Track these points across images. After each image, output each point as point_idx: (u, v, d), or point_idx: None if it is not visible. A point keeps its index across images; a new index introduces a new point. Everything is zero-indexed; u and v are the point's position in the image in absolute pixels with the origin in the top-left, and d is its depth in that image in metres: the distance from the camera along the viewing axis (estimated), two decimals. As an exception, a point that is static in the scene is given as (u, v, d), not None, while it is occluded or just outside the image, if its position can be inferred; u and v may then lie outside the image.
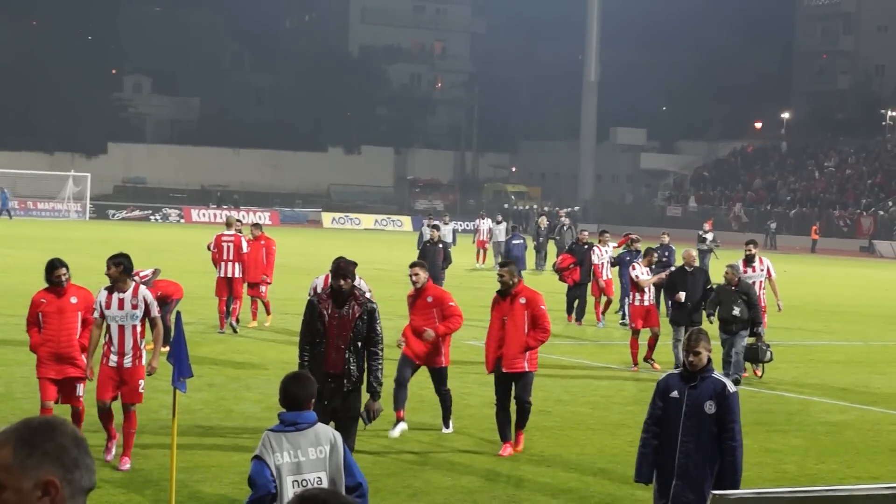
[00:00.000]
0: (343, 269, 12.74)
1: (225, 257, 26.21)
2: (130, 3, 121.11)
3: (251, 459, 8.07)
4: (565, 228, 47.23)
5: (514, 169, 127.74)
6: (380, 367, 12.67)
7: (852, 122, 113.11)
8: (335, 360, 12.43)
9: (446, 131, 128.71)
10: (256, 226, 28.27)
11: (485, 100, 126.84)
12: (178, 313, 12.61)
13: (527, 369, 15.24)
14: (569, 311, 31.20)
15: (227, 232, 26.71)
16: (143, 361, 13.91)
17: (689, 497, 10.29)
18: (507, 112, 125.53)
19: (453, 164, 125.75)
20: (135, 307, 13.71)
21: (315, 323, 12.62)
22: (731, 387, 10.45)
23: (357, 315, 12.57)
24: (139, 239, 60.03)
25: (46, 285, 14.05)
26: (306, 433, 8.05)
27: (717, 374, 10.56)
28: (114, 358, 13.73)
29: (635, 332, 23.73)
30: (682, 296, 22.70)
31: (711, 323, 22.54)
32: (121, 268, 13.76)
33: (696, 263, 24.18)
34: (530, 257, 46.33)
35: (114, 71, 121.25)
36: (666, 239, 34.39)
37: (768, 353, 22.52)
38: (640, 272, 24.16)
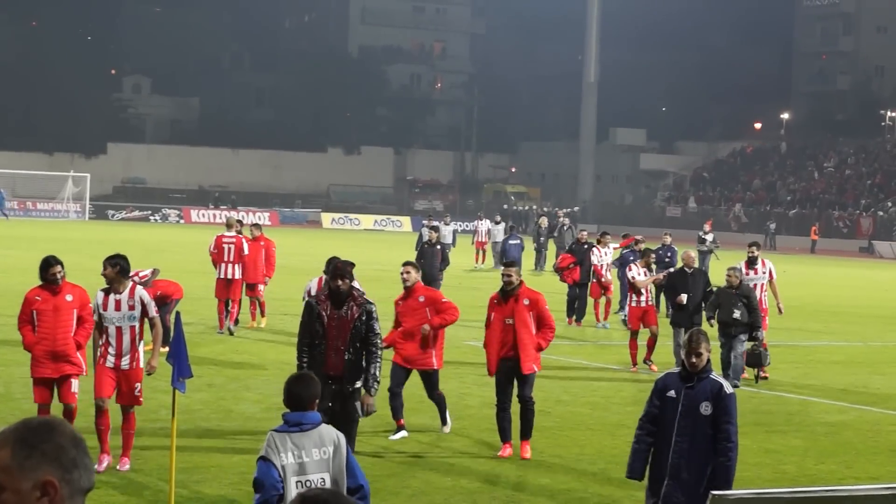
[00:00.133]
0: (341, 269, 12.68)
1: (226, 259, 26.16)
2: (130, 4, 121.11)
3: (257, 460, 8.04)
4: (565, 228, 47.23)
5: (513, 169, 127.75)
6: (378, 365, 12.64)
7: (852, 122, 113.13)
8: (335, 362, 12.40)
9: (446, 132, 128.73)
10: (256, 226, 28.24)
11: (484, 100, 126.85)
12: (178, 314, 12.62)
13: (535, 370, 15.26)
14: (569, 314, 31.03)
15: (227, 233, 26.66)
16: (142, 363, 13.84)
17: (680, 498, 10.24)
18: (507, 112, 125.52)
19: (453, 164, 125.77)
20: (132, 308, 13.64)
21: (314, 324, 12.56)
22: (728, 387, 10.42)
23: (356, 316, 12.52)
24: (139, 239, 60.02)
25: (41, 283, 13.98)
26: (310, 434, 8.05)
27: (716, 374, 10.52)
28: (111, 359, 13.66)
29: (633, 333, 23.71)
30: (683, 298, 22.66)
31: (712, 326, 22.49)
32: (117, 269, 13.69)
33: (696, 265, 24.15)
34: (528, 257, 46.31)
35: (113, 71, 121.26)
36: (668, 239, 34.35)
37: (767, 358, 22.46)
38: (637, 273, 24.12)
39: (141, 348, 13.87)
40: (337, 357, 12.42)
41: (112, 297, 13.66)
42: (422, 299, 16.04)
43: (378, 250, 58.80)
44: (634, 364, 23.48)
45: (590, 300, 31.53)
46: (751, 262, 23.93)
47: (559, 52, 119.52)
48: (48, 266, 13.90)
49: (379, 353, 12.67)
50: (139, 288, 13.93)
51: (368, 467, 13.37)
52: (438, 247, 32.92)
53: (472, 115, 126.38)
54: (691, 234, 56.02)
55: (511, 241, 43.87)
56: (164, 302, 22.35)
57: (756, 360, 22.11)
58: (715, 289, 22.66)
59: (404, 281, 16.05)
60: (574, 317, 31.23)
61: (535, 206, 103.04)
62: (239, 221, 28.73)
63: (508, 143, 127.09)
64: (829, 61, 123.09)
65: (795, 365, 25.42)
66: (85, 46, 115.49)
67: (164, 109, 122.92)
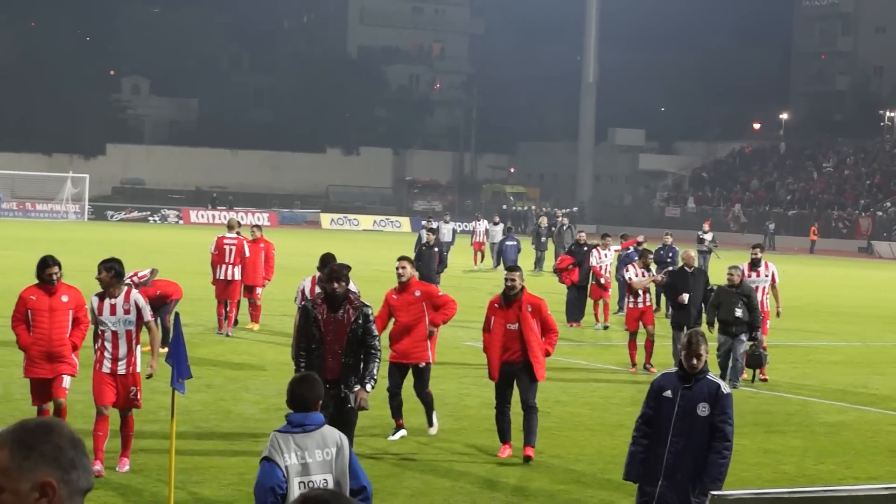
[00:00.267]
0: (337, 272, 12.54)
1: (227, 260, 26.12)
2: (129, 5, 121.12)
3: (260, 461, 8.02)
4: (564, 228, 47.22)
5: (512, 170, 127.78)
6: (377, 364, 12.56)
7: (851, 122, 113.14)
8: (332, 366, 12.30)
9: (445, 132, 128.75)
10: (257, 227, 28.21)
11: (483, 101, 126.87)
12: (177, 314, 12.61)
13: (544, 377, 15.23)
14: (569, 318, 30.85)
15: (229, 234, 26.62)
16: (139, 367, 13.73)
17: (674, 499, 10.20)
18: (506, 113, 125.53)
19: (452, 164, 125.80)
20: (127, 312, 13.51)
21: (310, 329, 12.45)
22: (725, 388, 10.37)
23: (353, 319, 12.42)
24: (138, 240, 60.02)
25: (37, 282, 13.89)
26: (313, 435, 8.04)
27: (712, 375, 10.48)
28: (108, 364, 13.53)
29: (632, 335, 23.67)
30: (685, 297, 22.63)
31: (712, 331, 22.44)
32: (112, 273, 13.56)
33: (696, 264, 24.13)
34: (526, 258, 46.31)
35: (112, 72, 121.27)
36: (669, 240, 34.29)
37: (766, 359, 22.43)
38: (634, 274, 24.06)
39: (138, 351, 13.77)
40: (334, 361, 12.33)
41: (107, 301, 13.53)
42: (418, 294, 15.99)
43: (377, 251, 58.78)
44: (633, 365, 23.46)
45: (589, 301, 31.49)
46: (754, 265, 23.78)
47: (558, 53, 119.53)
48: (45, 266, 13.84)
49: (378, 354, 12.59)
50: (134, 291, 13.80)
51: (367, 468, 13.34)
52: (436, 249, 32.90)
53: (471, 116, 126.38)
54: (690, 234, 56.04)
55: (508, 242, 43.86)
56: (164, 302, 22.36)
57: (755, 360, 22.06)
58: (714, 287, 22.63)
59: (399, 276, 16.00)
60: (577, 321, 31.06)
61: (533, 207, 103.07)
62: (237, 223, 28.71)
63: (507, 143, 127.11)
64: (828, 61, 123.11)
65: (795, 365, 25.42)
66: (84, 47, 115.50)
67: (162, 110, 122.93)
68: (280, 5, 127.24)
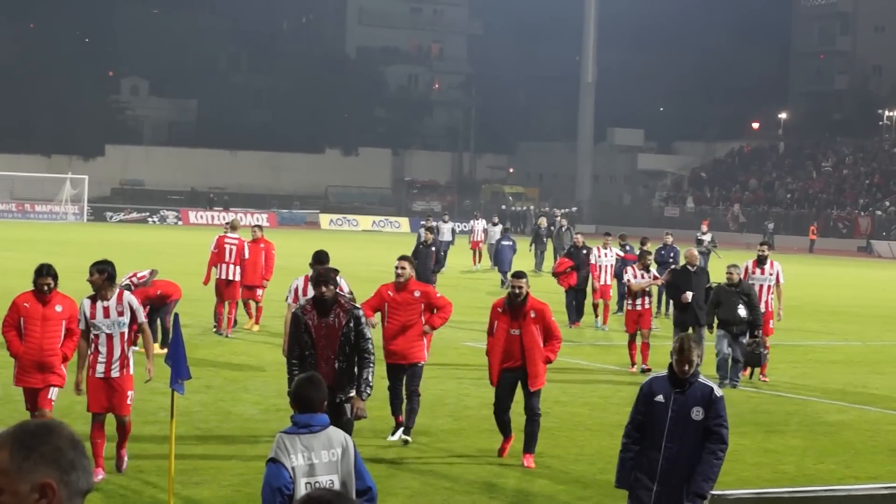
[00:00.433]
0: (324, 276, 12.33)
1: (227, 259, 26.14)
2: (128, 6, 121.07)
3: (266, 462, 8.01)
4: (563, 230, 47.17)
5: (511, 170, 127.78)
6: (371, 370, 12.43)
7: (849, 122, 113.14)
8: (325, 372, 12.05)
9: (444, 132, 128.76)
10: (258, 227, 28.21)
11: (482, 101, 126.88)
12: (177, 315, 12.59)
13: (544, 383, 15.13)
14: (570, 320, 30.79)
15: (231, 234, 26.63)
16: (132, 369, 13.55)
17: None
18: (505, 113, 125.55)
19: (451, 165, 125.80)
20: (121, 314, 13.32)
21: (301, 335, 12.26)
22: (718, 391, 10.24)
23: (344, 322, 12.25)
24: (137, 241, 60.03)
25: (33, 288, 13.67)
26: (319, 436, 8.03)
27: (704, 378, 10.35)
28: (101, 368, 13.34)
29: (631, 336, 23.64)
30: (688, 295, 22.60)
31: (711, 332, 22.42)
32: (104, 275, 13.34)
33: (699, 263, 24.10)
34: (524, 259, 46.26)
35: (111, 73, 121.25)
36: (669, 239, 34.14)
37: (766, 358, 22.38)
38: (633, 275, 24.01)
39: (131, 353, 13.61)
40: (327, 366, 12.13)
41: (100, 304, 13.32)
42: (417, 294, 15.82)
43: (376, 251, 58.79)
44: (633, 364, 23.44)
45: (589, 300, 31.43)
46: (760, 261, 23.67)
47: (557, 53, 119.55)
48: (39, 274, 13.56)
49: (371, 357, 12.45)
50: (127, 293, 13.60)
51: (367, 468, 13.36)
52: (433, 248, 32.81)
53: (470, 116, 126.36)
54: (689, 234, 56.02)
55: (504, 242, 43.76)
56: (164, 302, 22.39)
57: (755, 359, 22.01)
58: (714, 286, 22.58)
59: (398, 276, 15.78)
60: (576, 321, 30.98)
61: (532, 207, 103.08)
62: (240, 224, 28.71)
63: (506, 143, 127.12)
64: (827, 61, 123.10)
65: (794, 365, 25.42)
66: (82, 48, 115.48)
67: (161, 111, 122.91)
68: (279, 6, 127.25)
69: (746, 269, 23.39)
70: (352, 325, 12.27)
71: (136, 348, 14.58)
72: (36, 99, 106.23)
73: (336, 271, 12.73)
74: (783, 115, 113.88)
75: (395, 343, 15.75)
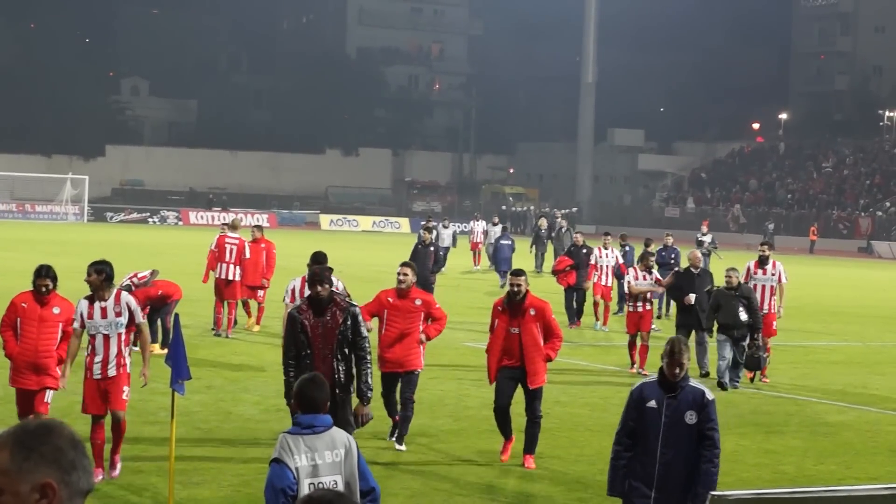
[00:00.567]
0: (318, 275, 12.22)
1: (227, 259, 26.12)
2: (128, 6, 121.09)
3: (269, 463, 8.00)
4: (563, 231, 47.14)
5: (511, 170, 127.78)
6: (369, 370, 12.35)
7: (850, 122, 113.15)
8: (323, 371, 11.87)
9: (444, 133, 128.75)
10: (258, 228, 28.19)
11: (482, 101, 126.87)
12: (177, 315, 12.58)
13: (544, 383, 15.03)
14: (570, 320, 30.79)
15: (231, 234, 26.62)
16: (128, 368, 13.41)
17: None
18: (505, 114, 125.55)
19: (451, 165, 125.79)
20: (118, 315, 13.19)
21: (298, 336, 12.14)
22: (709, 394, 10.18)
23: (340, 321, 12.14)
24: (137, 241, 60.03)
25: (32, 288, 13.56)
26: (322, 436, 8.02)
27: (694, 381, 10.30)
28: (97, 370, 13.22)
29: (632, 337, 23.61)
30: (691, 297, 22.58)
31: (711, 336, 22.39)
32: (102, 276, 13.21)
33: (701, 265, 24.05)
34: (523, 259, 46.25)
35: (111, 73, 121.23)
36: (670, 241, 33.99)
37: (766, 361, 22.34)
38: (634, 277, 23.97)
39: (127, 353, 13.44)
40: (325, 366, 11.97)
41: (97, 304, 13.21)
42: (418, 303, 15.64)
43: (377, 252, 58.80)
44: (633, 364, 23.43)
45: (589, 301, 31.41)
46: (762, 262, 23.54)
47: (557, 54, 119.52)
48: (38, 275, 13.46)
49: (369, 357, 12.37)
50: (125, 294, 13.47)
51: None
52: (432, 248, 32.74)
53: (470, 117, 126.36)
54: (690, 234, 56.02)
55: (503, 242, 43.74)
56: (165, 302, 22.41)
57: (754, 363, 21.93)
58: (713, 289, 22.54)
59: (400, 282, 15.58)
60: (576, 321, 30.96)
61: (532, 207, 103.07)
62: (240, 224, 28.71)
63: (506, 144, 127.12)
64: (827, 61, 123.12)
65: (794, 365, 25.42)
66: (83, 48, 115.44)
67: (161, 111, 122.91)
68: (279, 6, 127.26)
69: (748, 269, 23.32)
70: (349, 323, 12.17)
71: (136, 348, 14.53)
72: (36, 99, 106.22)
73: (330, 269, 12.65)
74: (783, 116, 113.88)
75: (392, 351, 15.50)
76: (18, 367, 13.61)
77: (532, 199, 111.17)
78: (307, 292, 12.68)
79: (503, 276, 40.29)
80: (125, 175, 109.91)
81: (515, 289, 14.79)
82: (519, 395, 15.01)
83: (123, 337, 13.31)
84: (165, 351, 16.63)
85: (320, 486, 7.81)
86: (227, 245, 26.23)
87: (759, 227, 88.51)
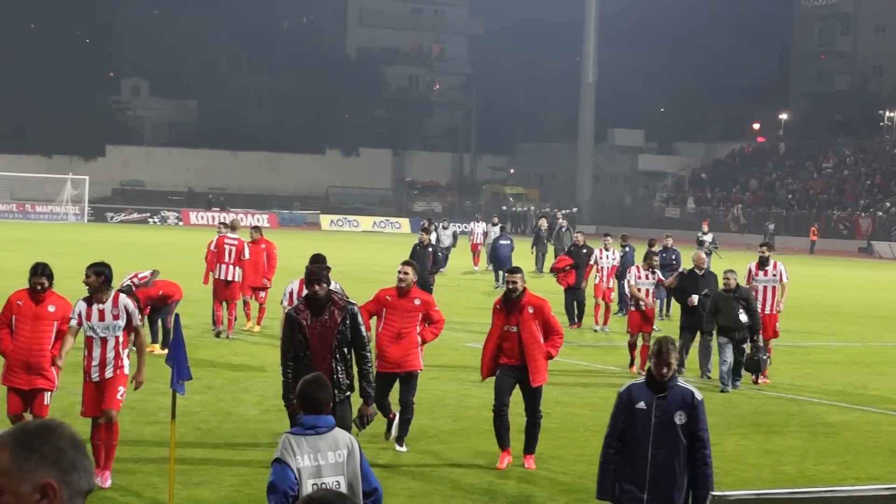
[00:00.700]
0: (316, 274, 12.07)
1: (226, 260, 26.09)
2: (128, 6, 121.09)
3: (271, 463, 8.01)
4: (563, 230, 47.12)
5: (511, 170, 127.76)
6: (370, 369, 12.29)
7: (850, 122, 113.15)
8: (322, 372, 12.02)
9: (444, 133, 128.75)
10: (256, 229, 28.17)
11: (483, 102, 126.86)
12: (177, 316, 12.57)
13: (545, 381, 14.98)
14: (570, 320, 30.78)
15: (231, 235, 26.58)
16: (126, 369, 13.29)
17: None
18: (505, 114, 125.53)
19: (451, 165, 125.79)
20: (116, 318, 13.08)
21: (296, 336, 12.00)
22: (698, 395, 10.14)
23: (339, 321, 11.99)
24: (137, 241, 60.05)
25: (28, 286, 13.51)
26: (325, 437, 8.03)
27: (682, 381, 10.27)
28: (95, 373, 13.11)
29: (633, 337, 23.61)
30: (694, 299, 22.57)
31: (711, 338, 22.37)
32: (101, 278, 13.11)
33: (706, 266, 24.03)
34: (524, 259, 46.24)
35: (111, 73, 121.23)
36: (670, 241, 33.95)
37: (768, 361, 22.32)
38: (636, 276, 23.95)
39: (125, 355, 13.31)
40: (324, 367, 11.79)
41: (95, 306, 13.11)
42: (418, 302, 15.54)
43: (377, 252, 58.80)
44: (632, 364, 23.42)
45: (590, 302, 31.40)
46: (762, 264, 23.50)
47: (557, 54, 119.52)
48: (33, 273, 13.43)
49: (369, 356, 12.29)
50: (123, 297, 13.36)
51: (368, 469, 13.35)
52: (430, 249, 32.73)
53: (471, 117, 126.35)
54: (690, 234, 56.03)
55: (501, 241, 43.70)
56: (166, 303, 22.42)
57: (754, 365, 21.91)
58: (708, 292, 22.51)
59: (400, 281, 15.49)
60: (576, 322, 30.94)
61: (532, 208, 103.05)
62: (240, 224, 28.67)
63: (507, 144, 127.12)
64: (828, 61, 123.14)
65: (795, 365, 25.42)
66: (83, 49, 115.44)
67: (162, 112, 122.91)
68: (279, 6, 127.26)
69: (750, 271, 23.28)
70: (348, 322, 12.03)
71: (135, 348, 14.50)
72: (36, 99, 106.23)
73: (328, 268, 12.55)
74: (784, 116, 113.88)
75: (389, 350, 15.40)
76: (11, 366, 13.50)
77: (532, 199, 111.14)
78: (305, 293, 12.61)
79: (500, 276, 40.24)
80: (125, 175, 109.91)
81: (511, 286, 14.72)
82: (518, 396, 14.98)
83: (121, 340, 13.19)
84: (166, 351, 16.64)
85: (323, 486, 7.82)
86: (226, 246, 26.20)
87: (759, 227, 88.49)
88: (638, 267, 24.47)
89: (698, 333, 22.61)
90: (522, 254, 48.03)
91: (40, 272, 13.43)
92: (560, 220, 53.36)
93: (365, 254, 57.65)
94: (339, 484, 7.92)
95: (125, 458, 13.96)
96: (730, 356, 21.38)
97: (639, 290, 23.63)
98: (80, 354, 13.75)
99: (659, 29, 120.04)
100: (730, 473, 14.85)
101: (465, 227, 68.67)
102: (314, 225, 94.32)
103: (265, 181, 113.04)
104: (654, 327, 25.04)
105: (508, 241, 43.56)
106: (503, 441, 14.90)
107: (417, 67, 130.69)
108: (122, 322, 13.12)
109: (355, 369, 12.41)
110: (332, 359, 12.02)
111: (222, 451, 15.01)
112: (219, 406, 17.97)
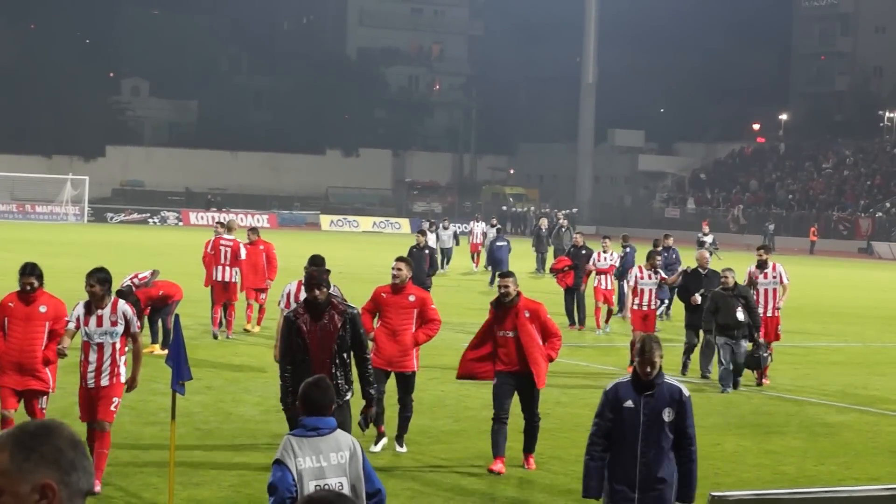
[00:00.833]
0: (315, 278, 11.90)
1: (222, 261, 26.06)
2: (128, 6, 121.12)
3: (272, 464, 8.02)
4: (563, 230, 47.11)
5: (511, 171, 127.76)
6: (371, 372, 12.24)
7: (850, 123, 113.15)
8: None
9: (444, 133, 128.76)
10: (253, 230, 28.13)
11: (483, 102, 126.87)
12: (177, 316, 12.57)
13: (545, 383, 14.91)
14: (571, 321, 30.74)
15: (227, 236, 26.56)
16: (122, 378, 13.14)
17: None
18: (505, 114, 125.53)
19: (451, 166, 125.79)
20: (114, 324, 12.94)
21: (294, 340, 11.84)
22: (685, 392, 10.14)
23: (339, 325, 11.85)
24: (137, 242, 60.05)
25: (19, 288, 13.33)
26: (327, 438, 8.04)
27: (669, 378, 10.24)
28: (91, 378, 12.99)
29: (636, 335, 23.56)
30: (697, 297, 22.56)
31: (710, 338, 22.35)
32: (106, 286, 12.99)
33: (710, 265, 24.03)
34: (520, 259, 46.23)
35: (112, 74, 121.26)
36: (670, 242, 33.98)
37: (769, 359, 22.29)
38: (639, 276, 23.93)
39: (122, 364, 13.18)
40: (324, 372, 11.53)
41: (94, 312, 12.97)
42: (412, 299, 15.43)
43: (377, 252, 58.78)
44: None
45: (590, 304, 31.35)
46: (761, 266, 23.46)
47: (557, 54, 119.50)
48: (23, 273, 13.24)
49: (370, 360, 12.24)
50: (122, 303, 13.22)
51: (368, 469, 13.34)
52: (426, 251, 32.70)
53: (471, 117, 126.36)
54: (690, 235, 56.03)
55: (498, 243, 43.65)
56: (166, 303, 22.43)
57: (755, 363, 21.92)
58: (705, 292, 22.50)
59: (394, 277, 15.40)
60: (576, 323, 30.89)
61: (533, 208, 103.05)
62: (237, 225, 28.63)
63: (507, 144, 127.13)
64: (828, 62, 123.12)
65: (795, 366, 25.42)
66: (83, 49, 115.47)
67: (162, 112, 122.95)
68: (279, 6, 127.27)
69: (750, 274, 23.26)
70: (347, 327, 11.91)
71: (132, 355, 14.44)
72: (36, 99, 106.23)
73: (327, 272, 12.45)
74: (784, 117, 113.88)
75: (385, 350, 15.29)
76: (2, 366, 13.36)
77: (532, 199, 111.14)
78: (303, 296, 12.50)
79: (496, 277, 40.14)
80: (125, 176, 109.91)
81: (503, 290, 14.58)
82: (517, 398, 14.90)
83: (118, 346, 13.05)
84: (166, 352, 16.64)
85: (326, 487, 7.83)
86: (221, 247, 26.15)
87: (759, 227, 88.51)
88: (640, 267, 24.43)
89: (702, 333, 22.62)
90: (522, 255, 48.05)
91: (29, 272, 13.26)
92: (561, 220, 53.36)
93: (365, 254, 57.66)
94: (341, 485, 7.93)
95: (125, 459, 13.95)
96: (730, 356, 21.38)
97: (640, 290, 23.64)
98: (77, 357, 13.70)
99: (659, 29, 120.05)
100: (730, 473, 14.85)
101: (465, 228, 68.69)
102: (314, 225, 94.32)
103: (265, 181, 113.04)
104: (656, 328, 25.02)
105: (505, 243, 43.49)
106: (498, 448, 14.68)
107: (417, 68, 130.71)
108: (120, 329, 12.98)
109: (355, 373, 12.35)
110: (332, 364, 11.89)
111: (222, 452, 15.00)
112: (219, 406, 17.97)
